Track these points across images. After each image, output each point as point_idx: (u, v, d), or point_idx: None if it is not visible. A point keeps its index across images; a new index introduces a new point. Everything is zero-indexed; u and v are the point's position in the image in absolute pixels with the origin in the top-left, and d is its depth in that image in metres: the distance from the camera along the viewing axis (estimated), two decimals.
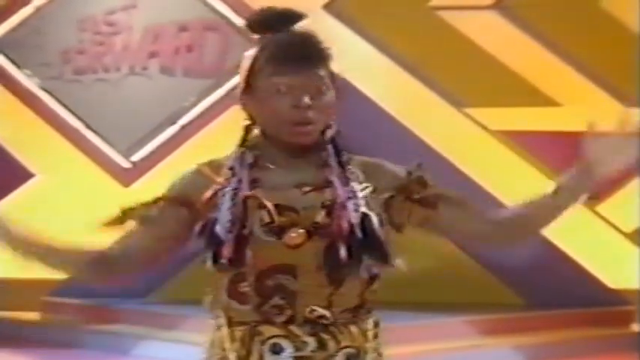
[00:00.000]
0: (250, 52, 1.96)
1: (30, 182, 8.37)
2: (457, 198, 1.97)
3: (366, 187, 1.91)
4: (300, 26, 1.96)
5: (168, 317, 7.06)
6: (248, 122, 1.98)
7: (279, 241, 1.85)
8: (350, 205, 1.86)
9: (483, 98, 7.91)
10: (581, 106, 7.94)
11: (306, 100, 1.87)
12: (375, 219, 1.87)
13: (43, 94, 8.40)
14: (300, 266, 1.85)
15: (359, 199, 1.88)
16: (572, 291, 7.61)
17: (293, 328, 1.86)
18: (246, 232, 1.85)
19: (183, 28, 8.28)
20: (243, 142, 1.97)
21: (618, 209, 7.87)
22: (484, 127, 8.00)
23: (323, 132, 1.93)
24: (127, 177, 8.31)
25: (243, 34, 8.18)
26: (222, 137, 8.88)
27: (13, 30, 8.44)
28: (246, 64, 1.96)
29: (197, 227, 1.91)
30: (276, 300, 1.85)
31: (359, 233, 1.85)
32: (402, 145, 7.59)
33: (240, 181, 1.90)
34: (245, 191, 1.88)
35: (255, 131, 1.99)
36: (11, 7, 8.42)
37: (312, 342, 1.86)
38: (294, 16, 1.97)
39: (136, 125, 8.23)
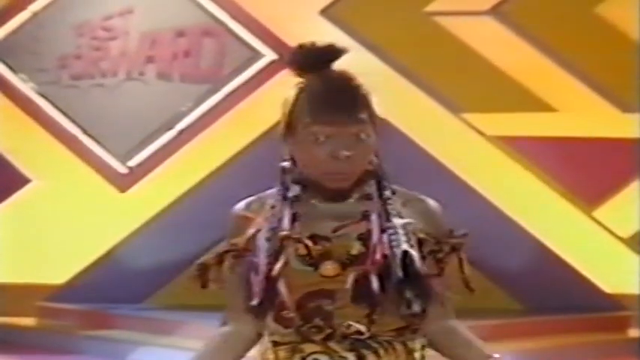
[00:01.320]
0: (291, 94, 1.96)
1: (26, 188, 8.34)
2: (449, 295, 1.95)
3: (409, 222, 1.91)
4: (340, 63, 1.94)
5: (165, 323, 7.04)
6: (287, 162, 1.95)
7: (315, 272, 1.88)
8: (385, 238, 1.87)
9: (480, 103, 7.90)
10: (577, 111, 7.95)
11: (344, 152, 1.86)
12: (416, 256, 1.86)
13: (39, 100, 8.37)
14: (337, 290, 1.88)
15: (399, 234, 1.88)
16: (570, 296, 7.60)
17: (332, 344, 1.88)
18: (275, 271, 1.87)
19: (180, 34, 8.26)
20: (285, 179, 1.95)
21: (615, 215, 7.87)
22: (480, 133, 7.99)
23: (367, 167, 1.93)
24: (123, 182, 8.29)
25: (240, 40, 8.21)
26: (219, 142, 8.95)
27: (10, 35, 8.41)
28: (287, 107, 1.94)
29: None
30: (316, 321, 1.88)
31: (399, 271, 1.84)
32: (398, 151, 7.57)
33: (280, 220, 1.91)
34: (284, 228, 1.89)
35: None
36: (8, 13, 8.40)
37: (351, 357, 1.88)
38: (335, 53, 1.95)
39: (133, 130, 8.21)
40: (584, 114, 7.95)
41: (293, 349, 1.90)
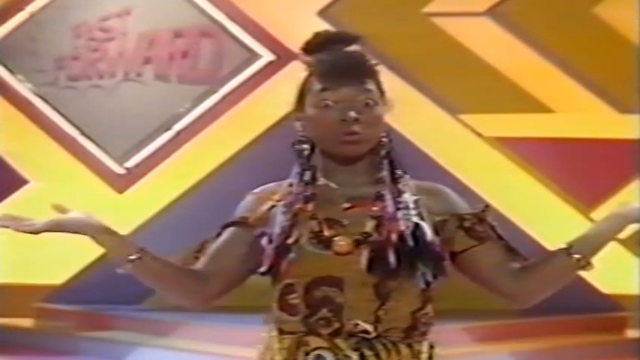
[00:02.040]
0: (302, 73, 2.03)
1: (24, 189, 8.34)
2: (506, 247, 2.01)
3: (419, 198, 1.94)
4: (352, 48, 2.02)
5: (163, 324, 7.03)
6: (303, 140, 2.00)
7: (326, 252, 1.89)
8: (400, 215, 1.90)
9: (477, 104, 7.91)
10: (575, 112, 7.95)
11: (352, 114, 1.92)
12: (427, 228, 1.90)
13: (37, 101, 8.38)
14: (347, 279, 1.88)
15: (410, 209, 1.91)
16: (567, 297, 7.55)
17: (338, 341, 1.88)
18: (289, 241, 1.89)
19: (178, 35, 8.26)
20: (301, 162, 1.99)
21: None
22: (478, 134, 8.00)
23: (376, 148, 1.98)
24: (121, 183, 8.29)
25: (238, 41, 8.21)
26: (217, 143, 8.96)
27: (8, 36, 8.42)
28: (298, 83, 2.02)
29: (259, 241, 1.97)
30: (324, 312, 1.88)
31: (410, 241, 1.87)
32: (396, 151, 7.57)
33: (297, 194, 1.95)
34: (299, 204, 1.93)
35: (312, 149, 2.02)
36: (5, 14, 8.40)
37: (355, 357, 1.88)
38: (347, 38, 2.03)
39: (131, 131, 8.21)
40: (581, 115, 7.95)
41: (298, 341, 1.90)
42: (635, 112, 7.85)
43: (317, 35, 2.04)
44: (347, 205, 1.93)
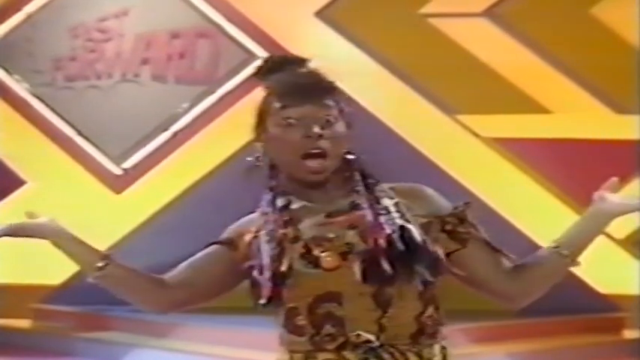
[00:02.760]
0: (260, 97, 2.03)
1: (21, 189, 8.33)
2: (490, 246, 1.99)
3: (398, 201, 1.94)
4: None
5: (161, 325, 7.03)
6: (270, 165, 2.01)
7: (318, 270, 1.89)
8: (383, 220, 1.89)
9: (474, 105, 7.90)
10: (572, 113, 7.95)
11: (316, 129, 1.91)
12: (414, 229, 1.89)
13: (34, 101, 8.37)
14: (344, 292, 1.88)
15: (392, 213, 1.91)
16: (564, 297, 7.55)
17: (345, 353, 1.88)
18: (283, 268, 1.90)
19: (175, 35, 8.26)
20: (271, 187, 2.00)
21: None
22: (475, 134, 7.99)
23: (342, 165, 1.97)
24: (118, 184, 8.28)
25: (235, 42, 8.20)
26: (215, 144, 8.95)
27: (5, 37, 8.41)
28: (257, 105, 2.02)
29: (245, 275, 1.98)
30: (328, 328, 1.89)
31: (400, 245, 1.86)
32: (393, 152, 7.58)
33: (275, 221, 1.95)
34: (281, 230, 1.93)
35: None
36: (3, 14, 8.39)
37: None
38: (297, 60, 2.03)
39: (128, 132, 8.21)
40: (578, 115, 7.96)
41: (306, 356, 1.90)
42: (633, 113, 7.85)
43: (267, 60, 2.04)
44: (325, 221, 1.93)
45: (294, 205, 1.96)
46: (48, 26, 8.34)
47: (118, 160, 8.30)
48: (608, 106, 7.92)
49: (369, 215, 1.90)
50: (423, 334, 1.91)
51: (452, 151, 7.93)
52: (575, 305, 7.57)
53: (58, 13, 8.34)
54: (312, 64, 2.02)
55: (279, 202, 1.96)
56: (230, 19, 8.15)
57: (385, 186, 1.98)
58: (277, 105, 1.95)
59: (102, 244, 7.93)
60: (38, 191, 8.26)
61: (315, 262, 1.89)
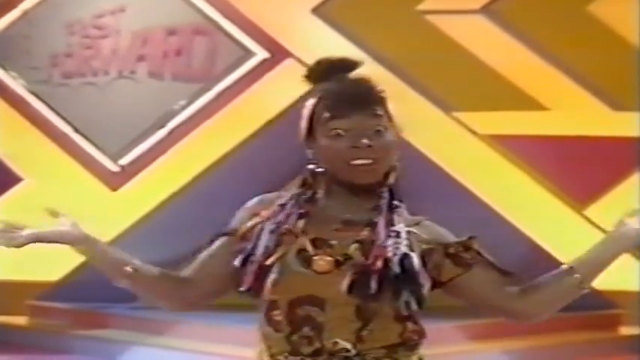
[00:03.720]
0: (310, 101, 2.01)
1: (18, 186, 8.33)
2: (496, 268, 2.03)
3: (413, 231, 1.96)
4: (355, 74, 2.03)
5: (159, 322, 7.03)
6: (312, 166, 2.00)
7: (308, 270, 1.90)
8: (389, 242, 1.90)
9: (472, 102, 7.91)
10: (569, 110, 7.96)
11: (365, 141, 1.93)
12: (415, 259, 1.91)
13: (31, 98, 8.36)
14: (328, 299, 1.89)
15: (401, 239, 1.92)
16: None
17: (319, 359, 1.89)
18: (269, 262, 1.91)
19: (171, 32, 8.26)
20: (305, 180, 2.01)
21: (607, 213, 7.88)
22: (473, 131, 8.00)
23: (386, 175, 1.98)
24: (115, 181, 8.28)
25: (232, 38, 8.21)
26: (211, 141, 8.96)
27: (1, 34, 8.40)
28: (306, 112, 2.01)
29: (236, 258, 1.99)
30: (306, 331, 1.89)
31: (397, 269, 1.88)
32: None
33: (288, 215, 1.96)
34: (288, 225, 1.94)
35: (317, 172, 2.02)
36: None
37: None
38: (350, 65, 2.03)
39: (125, 129, 8.21)
40: (575, 112, 7.96)
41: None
42: (630, 110, 7.86)
43: (319, 63, 2.03)
44: (337, 227, 1.94)
45: (319, 202, 1.97)
46: (44, 23, 8.33)
47: (114, 157, 8.29)
48: (605, 103, 7.93)
49: (381, 234, 1.91)
50: (402, 345, 1.93)
51: (449, 148, 7.93)
52: (572, 302, 7.58)
53: (54, 9, 8.34)
54: (362, 70, 2.03)
55: (307, 194, 1.98)
56: (227, 16, 8.15)
57: (404, 212, 2.00)
58: (326, 115, 1.95)
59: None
60: (35, 188, 8.26)
61: (308, 263, 1.91)
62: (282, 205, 1.97)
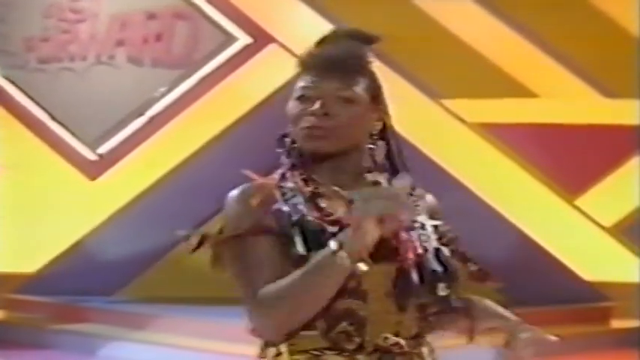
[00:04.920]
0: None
1: None
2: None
3: (439, 224, 1.90)
4: (369, 47, 1.93)
5: (138, 316, 7.02)
6: (282, 133, 1.92)
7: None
8: (415, 235, 1.83)
9: (460, 89, 7.91)
10: (559, 97, 7.98)
11: (318, 106, 1.83)
12: (447, 253, 1.86)
13: (6, 84, 8.33)
14: (370, 291, 1.81)
15: (428, 232, 1.86)
16: (552, 287, 7.64)
17: (360, 357, 1.81)
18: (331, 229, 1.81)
19: (151, 16, 8.23)
20: (290, 158, 1.90)
21: (598, 203, 7.91)
22: (460, 119, 8.01)
23: (356, 151, 1.90)
24: (93, 170, 8.26)
25: (214, 23, 8.17)
26: (192, 129, 8.91)
27: None
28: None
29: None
30: (345, 326, 1.80)
31: (435, 265, 1.81)
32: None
33: (299, 207, 1.83)
34: (312, 216, 1.82)
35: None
36: None
37: None
38: (364, 36, 1.95)
39: (103, 116, 8.19)
40: (566, 100, 7.98)
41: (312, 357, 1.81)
42: (623, 97, 7.88)
43: (332, 31, 1.96)
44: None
45: (315, 184, 1.87)
46: (19, 6, 8.29)
47: (92, 146, 8.27)
48: (597, 90, 7.95)
49: (403, 224, 1.81)
50: (420, 336, 1.90)
51: (436, 137, 7.94)
52: (563, 295, 7.61)
53: None
54: (372, 43, 1.94)
55: (309, 185, 1.86)
56: (208, 0, 8.13)
57: (422, 192, 1.95)
58: (300, 80, 1.89)
59: (76, 232, 7.96)
60: (10, 177, 8.23)
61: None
62: (291, 190, 1.85)
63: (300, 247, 1.78)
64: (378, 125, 1.94)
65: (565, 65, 7.92)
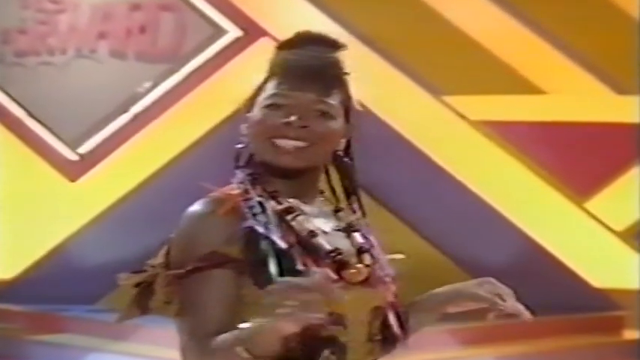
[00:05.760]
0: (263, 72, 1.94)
1: None
2: None
3: (397, 258, 1.94)
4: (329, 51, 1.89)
5: (119, 327, 6.98)
6: (241, 146, 1.90)
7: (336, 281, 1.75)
8: (387, 268, 1.86)
9: (462, 85, 7.93)
10: (569, 93, 7.99)
11: (297, 118, 1.80)
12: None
13: None
14: (349, 315, 1.80)
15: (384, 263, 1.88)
16: (560, 295, 7.64)
17: None
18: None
19: (135, 7, 8.24)
20: (248, 172, 1.87)
21: (609, 206, 7.91)
22: (463, 117, 8.01)
23: (320, 169, 1.89)
24: (73, 170, 8.26)
25: (202, 15, 8.15)
26: (179, 127, 8.89)
27: None
28: (257, 81, 1.92)
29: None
30: (326, 355, 1.77)
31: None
32: (372, 137, 7.54)
33: (270, 226, 1.79)
34: (286, 238, 1.78)
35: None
36: None
37: None
38: (330, 42, 1.90)
39: (84, 114, 8.19)
40: (576, 96, 7.99)
41: None
42: (635, 93, 7.88)
43: (297, 34, 1.92)
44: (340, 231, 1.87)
45: (282, 201, 1.84)
46: None
47: (73, 145, 8.27)
48: (608, 86, 7.96)
49: (380, 257, 1.85)
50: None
51: (437, 135, 7.95)
52: (572, 303, 7.61)
53: None
54: (340, 50, 1.91)
55: (273, 202, 1.82)
56: None
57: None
58: (270, 87, 1.85)
59: (56, 237, 7.87)
60: None
61: (337, 270, 1.79)
62: (253, 208, 1.80)
63: (273, 271, 1.73)
64: (343, 142, 1.91)
65: (575, 59, 7.92)
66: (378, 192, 7.37)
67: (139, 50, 8.27)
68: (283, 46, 1.91)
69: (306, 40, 1.89)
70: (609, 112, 7.92)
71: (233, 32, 8.10)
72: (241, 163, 1.89)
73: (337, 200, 1.92)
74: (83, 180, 8.26)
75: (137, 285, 1.85)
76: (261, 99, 1.85)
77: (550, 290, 7.65)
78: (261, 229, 1.74)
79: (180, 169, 7.97)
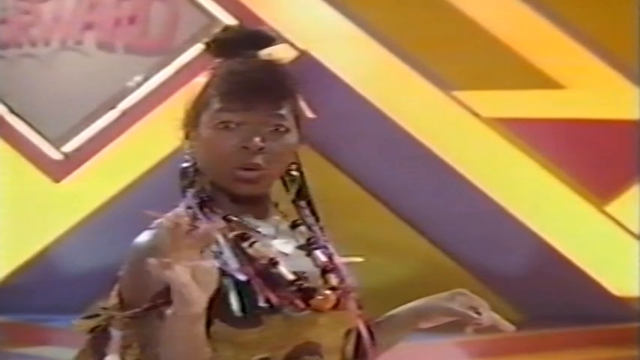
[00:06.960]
0: (202, 79, 1.92)
1: None
2: None
3: (356, 261, 1.93)
4: (268, 52, 1.89)
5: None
6: (187, 164, 1.92)
7: (302, 313, 1.77)
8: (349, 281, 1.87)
9: (474, 80, 7.95)
10: (588, 88, 8.00)
11: (257, 141, 1.80)
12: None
13: None
14: (323, 342, 1.81)
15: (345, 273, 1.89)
16: (578, 304, 7.65)
17: None
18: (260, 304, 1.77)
19: None
20: (195, 194, 1.90)
21: (631, 209, 7.92)
22: (475, 114, 8.02)
23: (291, 179, 1.91)
24: (58, 171, 8.28)
25: (195, 4, 8.16)
26: (170, 125, 8.80)
27: None
28: (195, 92, 1.90)
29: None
30: None
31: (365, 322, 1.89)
32: (380, 134, 7.58)
33: (224, 257, 1.78)
34: (244, 270, 1.78)
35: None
36: None
37: None
38: (263, 39, 1.90)
39: (69, 110, 8.21)
40: (596, 91, 8.00)
41: None
42: None
43: (225, 31, 1.92)
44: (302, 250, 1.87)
45: (240, 229, 1.83)
46: None
47: (57, 143, 8.29)
48: (631, 80, 7.96)
49: (342, 272, 1.85)
50: None
51: (447, 133, 7.97)
52: (590, 313, 7.61)
53: None
54: (277, 49, 1.90)
55: (230, 227, 1.82)
56: None
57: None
58: (218, 101, 1.84)
59: (40, 240, 7.90)
60: None
61: (305, 300, 1.79)
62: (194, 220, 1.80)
63: (235, 307, 1.74)
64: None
65: (595, 52, 7.93)
66: (384, 194, 7.39)
67: (128, 42, 8.29)
68: (218, 49, 1.91)
69: (242, 42, 1.89)
70: (632, 109, 7.93)
71: (228, 22, 8.11)
72: (187, 182, 1.91)
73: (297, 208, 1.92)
74: (68, 181, 8.29)
75: (92, 330, 1.82)
76: (208, 116, 1.85)
77: (567, 299, 7.67)
78: (216, 262, 1.71)
79: (171, 169, 7.94)
